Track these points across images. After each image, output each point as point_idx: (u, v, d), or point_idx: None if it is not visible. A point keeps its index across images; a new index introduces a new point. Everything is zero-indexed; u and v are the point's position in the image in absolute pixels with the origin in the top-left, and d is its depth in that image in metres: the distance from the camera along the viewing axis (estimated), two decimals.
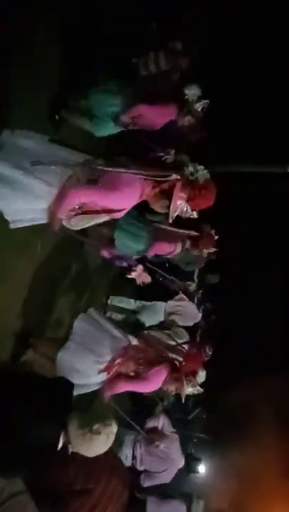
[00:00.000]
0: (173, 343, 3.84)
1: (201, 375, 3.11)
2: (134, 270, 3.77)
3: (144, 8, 4.47)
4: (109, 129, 3.50)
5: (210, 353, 4.33)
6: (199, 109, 3.68)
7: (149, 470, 4.04)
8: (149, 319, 4.83)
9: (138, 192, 2.27)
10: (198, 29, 5.01)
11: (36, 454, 1.67)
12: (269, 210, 6.50)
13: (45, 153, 2.19)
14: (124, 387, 2.84)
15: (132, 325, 4.83)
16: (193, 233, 4.04)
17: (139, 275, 3.79)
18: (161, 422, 4.14)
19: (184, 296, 4.78)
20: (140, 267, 3.80)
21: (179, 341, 4.08)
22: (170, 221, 2.41)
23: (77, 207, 2.20)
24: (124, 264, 3.89)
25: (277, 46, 5.44)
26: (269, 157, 5.77)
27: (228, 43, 5.37)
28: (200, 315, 4.90)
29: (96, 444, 1.93)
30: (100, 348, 2.78)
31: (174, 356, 3.18)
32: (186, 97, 3.60)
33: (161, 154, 2.46)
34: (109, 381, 2.81)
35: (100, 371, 2.76)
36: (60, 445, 1.78)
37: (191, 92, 3.62)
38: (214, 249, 4.25)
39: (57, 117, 3.68)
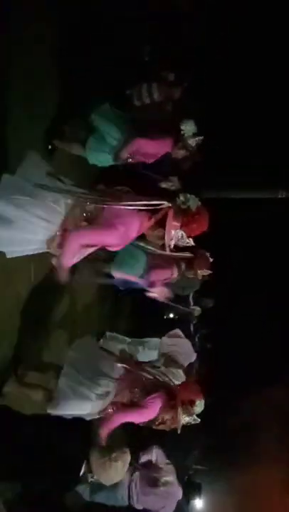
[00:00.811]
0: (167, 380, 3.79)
1: (199, 405, 3.04)
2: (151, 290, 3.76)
3: (143, 9, 4.62)
4: (107, 162, 3.61)
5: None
6: (193, 145, 3.76)
7: (148, 508, 3.88)
8: (144, 356, 4.74)
9: (136, 227, 2.31)
10: (198, 29, 5.12)
11: (63, 474, 2.04)
12: (261, 235, 6.55)
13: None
14: (120, 419, 2.74)
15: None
16: (188, 255, 4.05)
17: (161, 291, 3.77)
18: (155, 455, 4.00)
19: (180, 332, 4.71)
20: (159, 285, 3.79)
21: (176, 382, 4.01)
22: (167, 251, 2.42)
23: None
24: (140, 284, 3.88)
25: (272, 69, 5.58)
26: (260, 183, 5.87)
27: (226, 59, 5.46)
28: (195, 355, 4.81)
29: (114, 471, 2.26)
30: (95, 383, 2.71)
31: (168, 381, 3.10)
32: (182, 132, 3.64)
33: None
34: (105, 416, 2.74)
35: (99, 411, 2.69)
36: (81, 473, 2.13)
37: (187, 128, 3.65)
38: (209, 272, 4.26)
39: (50, 147, 3.76)
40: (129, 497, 3.73)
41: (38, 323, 3.80)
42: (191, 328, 6.25)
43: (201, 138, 3.72)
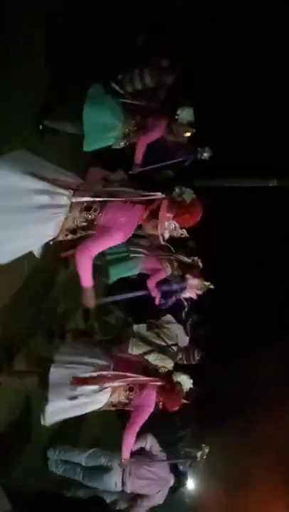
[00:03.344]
0: (162, 343, 3.94)
1: (187, 382, 3.10)
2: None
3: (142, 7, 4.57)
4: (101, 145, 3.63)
5: (198, 358, 4.34)
6: (184, 135, 3.68)
7: (140, 493, 3.98)
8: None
9: (135, 221, 2.35)
10: (193, 33, 5.07)
11: None
12: (253, 224, 6.58)
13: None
14: (132, 435, 2.89)
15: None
16: (185, 259, 4.10)
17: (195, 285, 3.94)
18: (149, 443, 4.08)
19: (171, 318, 4.77)
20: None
21: (169, 342, 4.13)
22: (162, 242, 2.44)
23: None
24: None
25: (264, 62, 5.56)
26: (253, 172, 5.88)
27: (214, 56, 5.45)
28: (187, 339, 4.88)
29: None
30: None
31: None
32: (176, 117, 3.59)
33: None
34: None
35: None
36: None
37: (183, 114, 3.59)
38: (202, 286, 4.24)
39: (41, 127, 3.71)
40: (123, 483, 3.83)
41: (31, 311, 3.82)
42: (183, 315, 6.30)
43: (193, 131, 3.66)
